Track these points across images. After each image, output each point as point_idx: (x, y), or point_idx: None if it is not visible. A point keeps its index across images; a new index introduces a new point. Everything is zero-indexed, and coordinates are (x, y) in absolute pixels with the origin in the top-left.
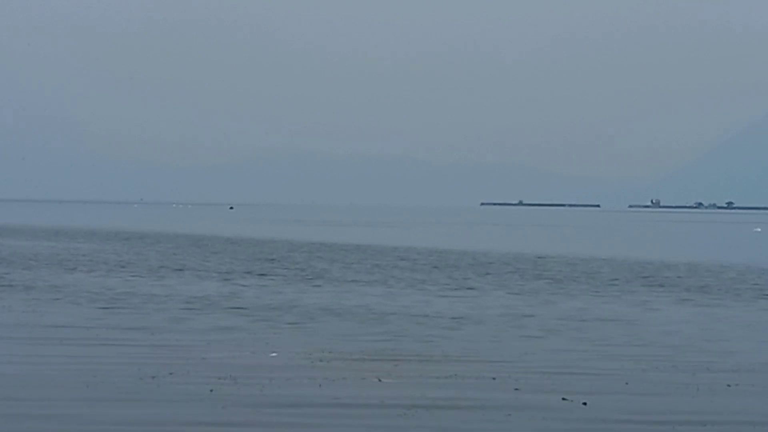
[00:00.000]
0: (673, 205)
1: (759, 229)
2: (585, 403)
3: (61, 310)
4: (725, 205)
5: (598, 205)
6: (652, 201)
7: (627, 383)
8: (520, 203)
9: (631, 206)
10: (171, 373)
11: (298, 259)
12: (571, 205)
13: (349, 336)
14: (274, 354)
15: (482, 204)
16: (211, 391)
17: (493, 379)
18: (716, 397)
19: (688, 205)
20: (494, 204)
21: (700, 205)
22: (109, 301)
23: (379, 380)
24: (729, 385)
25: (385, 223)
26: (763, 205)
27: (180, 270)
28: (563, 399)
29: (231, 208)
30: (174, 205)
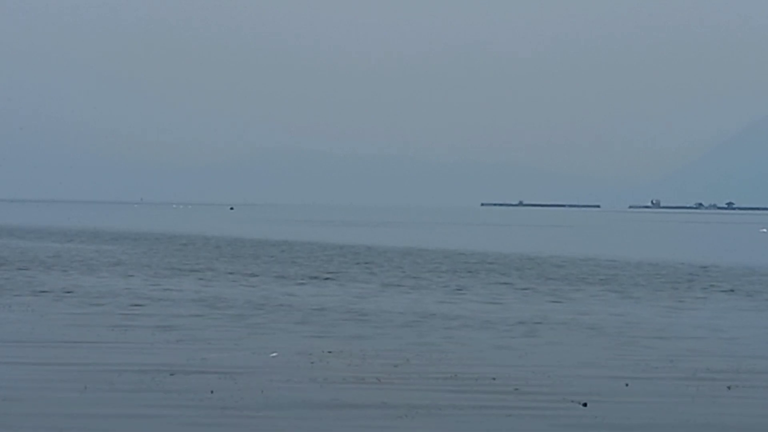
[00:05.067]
0: (673, 205)
1: (765, 230)
2: (585, 404)
3: (64, 310)
4: (725, 206)
5: (598, 206)
6: (652, 201)
7: (627, 384)
8: (520, 203)
9: (631, 207)
10: (172, 374)
11: (301, 259)
12: (571, 206)
13: (349, 336)
14: (274, 354)
15: (482, 204)
16: (212, 391)
17: (493, 379)
18: (716, 398)
19: (688, 205)
20: (494, 204)
21: (700, 205)
22: (114, 301)
23: (379, 381)
24: (729, 387)
25: (388, 224)
26: (763, 206)
27: (186, 270)
28: (563, 399)
29: (231, 208)
30: (174, 206)
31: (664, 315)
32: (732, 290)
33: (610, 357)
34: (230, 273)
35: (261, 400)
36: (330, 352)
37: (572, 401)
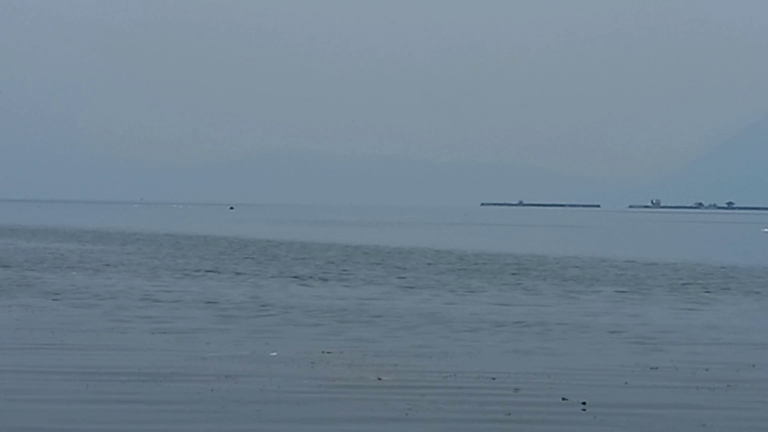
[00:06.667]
0: (674, 205)
1: (767, 230)
2: (584, 403)
3: (64, 311)
4: (725, 206)
5: (598, 206)
6: (652, 201)
7: (626, 383)
8: (520, 203)
9: (631, 206)
10: (172, 373)
11: (305, 260)
12: (571, 206)
13: (351, 337)
14: (274, 353)
15: (482, 204)
16: (212, 390)
17: (493, 378)
18: (716, 396)
19: (688, 205)
20: (494, 204)
21: (700, 205)
22: (115, 302)
23: (379, 379)
24: (729, 385)
25: (391, 224)
26: (763, 205)
27: (189, 271)
28: (563, 399)
29: (231, 208)
30: (174, 205)
31: (674, 316)
32: (756, 292)
33: (612, 357)
34: (232, 273)
35: (260, 399)
36: (329, 352)
37: (572, 401)
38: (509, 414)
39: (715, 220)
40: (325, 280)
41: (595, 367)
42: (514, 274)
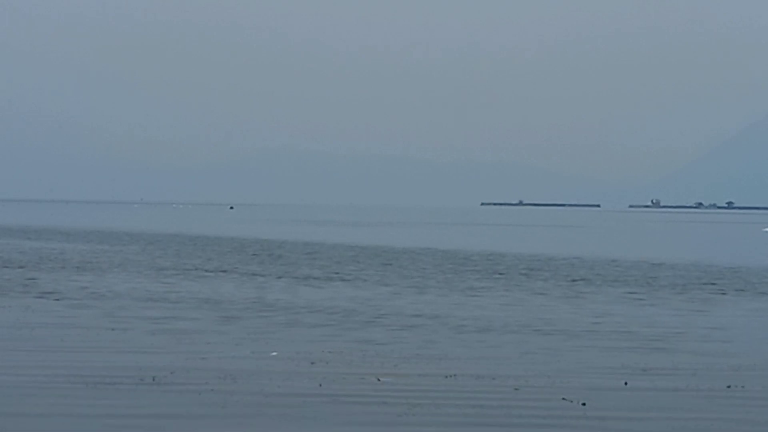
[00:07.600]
0: (674, 205)
1: (767, 230)
2: (584, 404)
3: (65, 311)
4: (725, 205)
5: (598, 205)
6: (652, 201)
7: (626, 383)
8: (520, 203)
9: (631, 206)
10: (172, 373)
11: (309, 260)
12: (571, 205)
13: (352, 337)
14: (274, 354)
15: (482, 204)
16: (212, 391)
17: (493, 379)
18: (716, 397)
19: (688, 205)
20: (494, 204)
21: (700, 205)
22: (116, 302)
23: (379, 379)
24: (729, 386)
25: (393, 224)
26: (763, 205)
27: (191, 271)
28: (563, 399)
29: (231, 208)
30: (174, 205)
31: (678, 317)
32: (761, 293)
33: (614, 357)
34: (234, 273)
35: (260, 399)
36: (330, 352)
37: (572, 401)
38: (509, 414)
39: (715, 220)
40: (329, 280)
41: (596, 368)
42: (519, 274)
